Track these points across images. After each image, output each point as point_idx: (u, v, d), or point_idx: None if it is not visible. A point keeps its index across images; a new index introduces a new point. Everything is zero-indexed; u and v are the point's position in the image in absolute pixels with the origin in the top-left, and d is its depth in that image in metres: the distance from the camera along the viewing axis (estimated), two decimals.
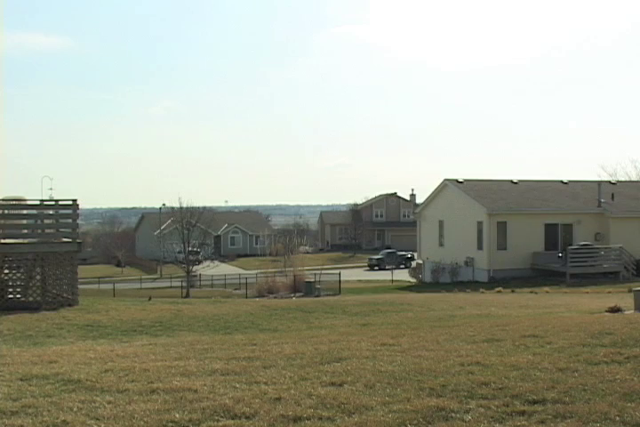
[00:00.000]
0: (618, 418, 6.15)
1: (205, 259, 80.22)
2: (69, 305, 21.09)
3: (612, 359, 8.87)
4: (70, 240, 21.90)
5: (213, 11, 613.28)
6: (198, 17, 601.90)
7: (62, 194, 30.28)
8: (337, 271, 51.14)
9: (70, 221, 22.52)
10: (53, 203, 23.09)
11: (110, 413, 6.68)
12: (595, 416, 6.21)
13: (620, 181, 61.76)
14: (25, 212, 23.00)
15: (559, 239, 48.38)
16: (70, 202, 22.46)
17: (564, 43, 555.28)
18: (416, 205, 62.43)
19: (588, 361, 8.78)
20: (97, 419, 6.50)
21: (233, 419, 6.44)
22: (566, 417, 6.24)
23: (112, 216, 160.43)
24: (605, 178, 69.66)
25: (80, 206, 22.61)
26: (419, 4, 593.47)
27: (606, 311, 18.69)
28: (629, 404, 6.60)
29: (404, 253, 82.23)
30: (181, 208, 71.89)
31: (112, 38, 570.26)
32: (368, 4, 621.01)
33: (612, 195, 50.82)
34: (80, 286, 22.77)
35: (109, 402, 7.13)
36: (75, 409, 6.85)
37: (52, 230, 22.76)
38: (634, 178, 79.56)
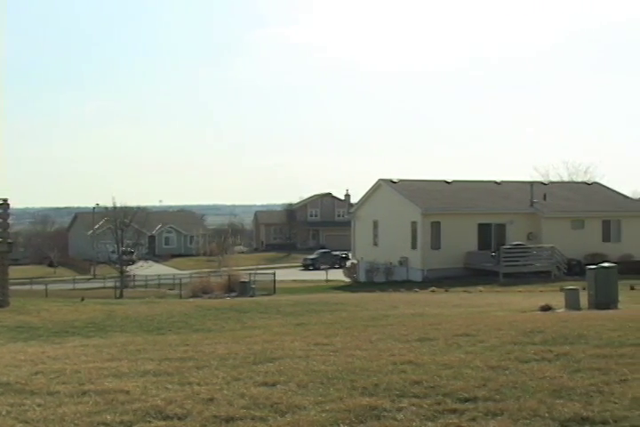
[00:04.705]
0: (547, 415, 6.22)
1: (139, 259, 79.57)
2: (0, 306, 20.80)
3: (543, 357, 8.98)
4: (0, 240, 21.59)
5: (147, 10, 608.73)
6: (133, 17, 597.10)
7: None
8: (272, 271, 51.10)
9: (0, 220, 22.21)
10: None
11: (40, 416, 6.58)
12: (525, 413, 6.28)
13: (552, 182, 62.78)
14: None
15: (492, 239, 48.93)
16: (0, 201, 22.16)
17: (499, 46, 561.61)
18: (351, 205, 62.64)
19: (518, 359, 8.89)
20: (26, 422, 6.39)
21: (165, 420, 6.38)
22: (497, 415, 6.30)
23: (44, 216, 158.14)
24: (538, 179, 70.64)
25: (11, 206, 22.32)
26: (352, 7, 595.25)
27: (538, 310, 18.97)
28: (558, 400, 6.68)
29: (338, 252, 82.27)
30: (115, 208, 71.06)
31: (45, 38, 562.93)
32: (301, 4, 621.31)
33: (544, 195, 51.59)
34: (11, 287, 22.50)
35: (39, 405, 7.02)
36: (3, 413, 6.73)
37: None
38: (565, 179, 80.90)
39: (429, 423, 6.13)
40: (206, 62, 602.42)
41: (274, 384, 7.73)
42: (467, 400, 6.84)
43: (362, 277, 54.23)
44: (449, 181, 54.01)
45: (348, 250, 66.50)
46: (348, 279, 57.04)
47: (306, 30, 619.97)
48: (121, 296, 50.83)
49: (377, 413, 6.46)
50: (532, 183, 53.19)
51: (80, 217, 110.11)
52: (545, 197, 51.36)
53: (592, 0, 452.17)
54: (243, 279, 44.87)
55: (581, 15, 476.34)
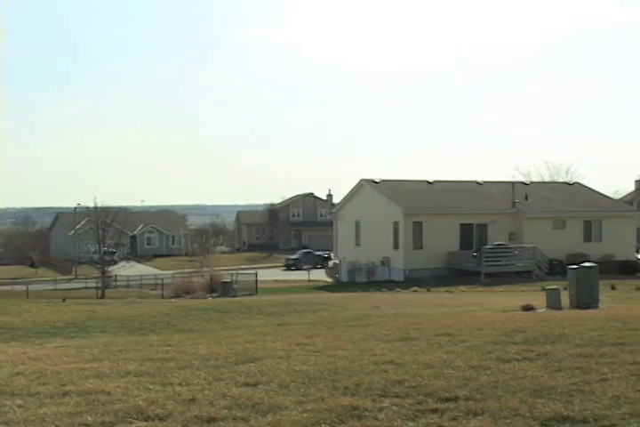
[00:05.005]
0: (528, 414, 6.24)
1: (121, 259, 79.37)
2: None
3: (524, 357, 9.02)
4: None
5: (131, 11, 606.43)
6: (117, 17, 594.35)
7: None
8: (254, 271, 50.99)
9: None
10: None
11: (20, 417, 6.55)
12: (506, 413, 6.30)
13: (534, 182, 62.94)
14: None
15: (474, 239, 49.04)
16: None
17: (487, 46, 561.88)
18: (333, 206, 62.72)
19: (500, 358, 8.92)
20: (6, 423, 6.37)
21: (146, 421, 6.37)
22: (478, 414, 6.32)
23: (26, 216, 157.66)
24: (519, 179, 70.85)
25: None
26: (335, 7, 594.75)
27: (519, 310, 19.02)
28: (539, 400, 6.71)
29: (320, 252, 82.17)
30: (96, 208, 70.74)
31: (29, 37, 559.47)
32: (283, 5, 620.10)
33: (526, 195, 51.74)
34: None
35: (20, 406, 6.99)
36: None
37: None
38: (547, 179, 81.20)
39: (410, 423, 6.14)
40: (190, 62, 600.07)
41: (255, 384, 7.72)
42: (448, 400, 6.85)
43: (344, 278, 54.25)
44: (431, 181, 54.06)
45: (331, 250, 66.48)
46: (330, 279, 57.02)
47: (289, 30, 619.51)
48: (102, 297, 50.60)
49: (358, 413, 6.46)
50: (513, 183, 53.37)
51: (62, 217, 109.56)
52: (526, 198, 51.52)
53: (581, 2, 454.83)
54: (225, 279, 44.82)
55: (571, 17, 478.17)
